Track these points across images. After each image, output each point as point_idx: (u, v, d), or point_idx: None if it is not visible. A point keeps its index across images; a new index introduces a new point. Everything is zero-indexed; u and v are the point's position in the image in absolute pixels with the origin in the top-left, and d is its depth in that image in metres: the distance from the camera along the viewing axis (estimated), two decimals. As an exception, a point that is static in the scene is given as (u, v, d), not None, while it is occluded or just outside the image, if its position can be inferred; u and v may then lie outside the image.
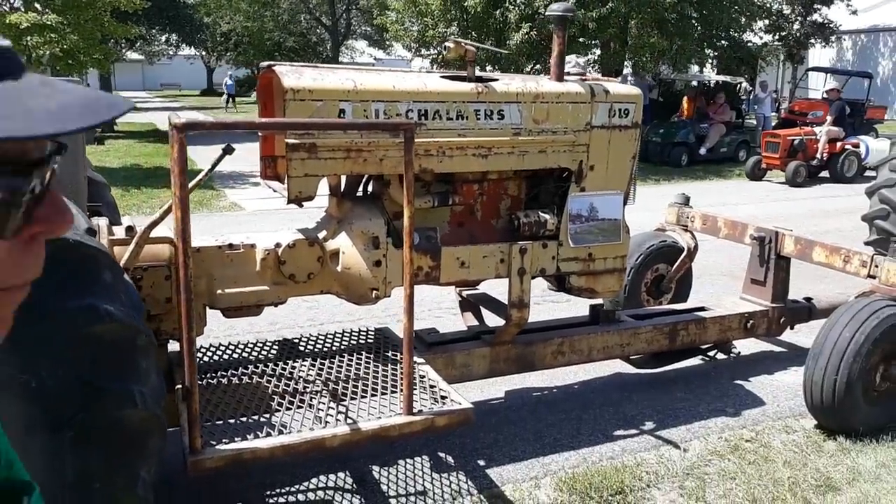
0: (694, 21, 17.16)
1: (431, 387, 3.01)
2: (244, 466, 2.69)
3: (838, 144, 14.19)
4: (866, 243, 6.88)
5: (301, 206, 3.19)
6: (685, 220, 5.20)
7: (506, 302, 3.58)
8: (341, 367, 3.22)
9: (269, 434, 2.61)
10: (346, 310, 5.05)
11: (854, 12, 24.31)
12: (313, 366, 3.25)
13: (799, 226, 5.97)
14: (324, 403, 2.89)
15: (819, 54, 27.56)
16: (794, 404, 4.16)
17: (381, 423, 2.72)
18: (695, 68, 20.45)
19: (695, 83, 17.48)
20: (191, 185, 2.66)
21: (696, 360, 4.72)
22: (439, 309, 5.62)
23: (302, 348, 3.47)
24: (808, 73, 18.99)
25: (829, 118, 14.51)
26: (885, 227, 6.55)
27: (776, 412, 4.12)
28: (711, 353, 4.72)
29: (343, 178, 3.34)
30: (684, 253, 5.06)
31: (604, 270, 3.77)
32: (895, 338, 3.75)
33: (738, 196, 12.58)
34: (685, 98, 17.08)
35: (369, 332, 3.64)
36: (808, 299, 4.89)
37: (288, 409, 2.86)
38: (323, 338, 3.57)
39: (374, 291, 3.28)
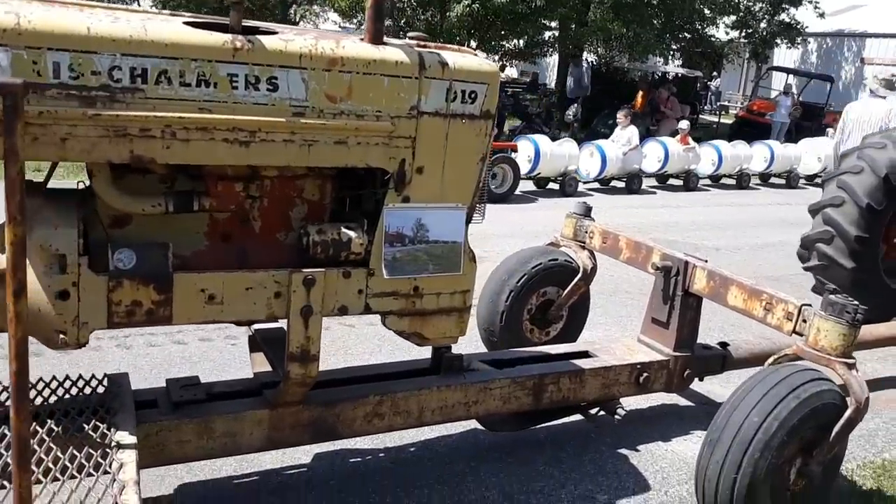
0: (654, 8, 16.18)
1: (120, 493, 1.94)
2: None
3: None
4: (805, 268, 6.00)
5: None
6: (583, 236, 4.20)
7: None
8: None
9: None
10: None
11: (821, 15, 23.63)
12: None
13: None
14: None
15: (784, 54, 26.87)
16: (686, 491, 3.20)
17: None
18: (660, 62, 19.52)
19: (656, 74, 16.59)
20: None
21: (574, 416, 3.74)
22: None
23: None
24: (771, 73, 18.26)
25: None
26: (827, 253, 5.63)
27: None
28: (593, 411, 3.73)
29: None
30: (579, 275, 4.07)
31: (437, 310, 2.73)
32: (819, 423, 2.80)
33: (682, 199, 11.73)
34: (639, 90, 16.18)
35: (90, 384, 2.55)
36: (724, 345, 3.95)
37: None
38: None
39: (61, 335, 2.20)
